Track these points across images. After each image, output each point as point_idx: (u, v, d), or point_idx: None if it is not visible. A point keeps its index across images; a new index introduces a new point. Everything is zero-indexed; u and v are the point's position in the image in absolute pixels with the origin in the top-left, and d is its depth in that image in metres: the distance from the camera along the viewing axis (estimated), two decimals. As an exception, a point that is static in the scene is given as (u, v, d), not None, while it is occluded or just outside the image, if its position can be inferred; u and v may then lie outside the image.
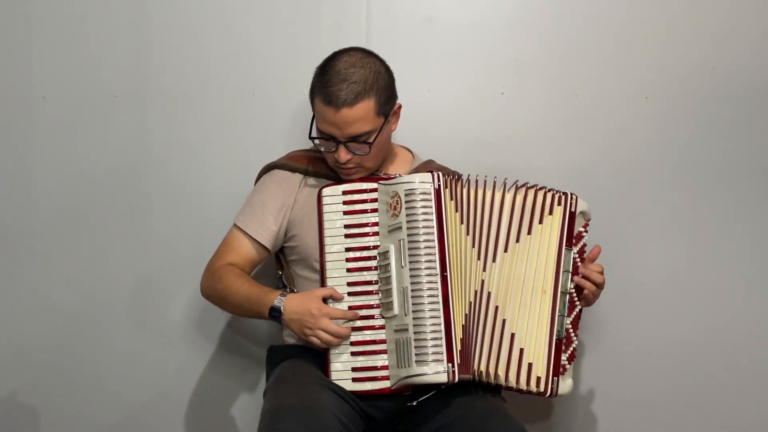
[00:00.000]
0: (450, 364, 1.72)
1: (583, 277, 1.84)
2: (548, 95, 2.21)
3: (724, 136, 2.20)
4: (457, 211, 1.81)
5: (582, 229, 1.87)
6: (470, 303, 1.79)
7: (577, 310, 1.85)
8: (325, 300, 1.81)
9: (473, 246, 1.81)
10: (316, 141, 1.86)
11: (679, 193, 2.21)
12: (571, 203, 1.83)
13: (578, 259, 1.85)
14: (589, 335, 2.24)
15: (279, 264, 2.01)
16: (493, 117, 2.21)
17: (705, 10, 2.18)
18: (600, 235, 2.20)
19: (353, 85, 1.78)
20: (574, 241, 1.84)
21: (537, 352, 1.79)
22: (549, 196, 1.84)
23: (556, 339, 1.79)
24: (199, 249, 2.19)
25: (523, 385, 1.79)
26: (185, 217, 2.23)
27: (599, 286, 1.87)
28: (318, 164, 1.95)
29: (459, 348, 1.75)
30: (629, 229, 2.22)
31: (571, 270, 1.82)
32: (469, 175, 1.86)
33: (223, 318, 2.25)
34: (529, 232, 1.83)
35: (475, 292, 1.80)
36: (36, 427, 2.28)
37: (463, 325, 1.77)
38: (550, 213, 1.83)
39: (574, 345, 1.84)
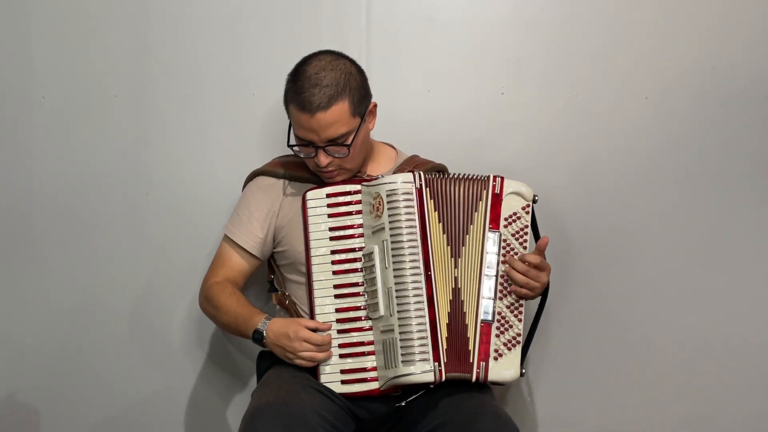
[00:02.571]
0: (437, 363, 1.73)
1: (507, 272, 1.81)
2: (548, 95, 2.21)
3: (724, 136, 2.20)
4: (435, 209, 1.82)
5: (520, 210, 1.84)
6: (450, 301, 1.80)
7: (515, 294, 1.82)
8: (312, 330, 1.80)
9: (448, 244, 1.82)
10: (295, 148, 1.86)
11: (678, 192, 2.21)
12: (494, 185, 1.83)
13: (514, 242, 1.82)
14: (588, 333, 2.24)
15: (270, 269, 2.01)
16: (493, 117, 2.21)
17: (705, 10, 2.18)
18: (599, 235, 2.21)
19: (325, 88, 1.78)
20: (504, 223, 1.82)
21: (472, 338, 1.78)
22: (477, 183, 1.84)
23: (482, 322, 1.78)
24: (199, 249, 2.20)
25: (462, 373, 1.77)
26: (185, 217, 2.23)
27: (537, 280, 1.81)
28: (299, 169, 1.95)
29: (445, 347, 1.75)
30: (629, 229, 2.22)
31: (498, 252, 1.81)
32: (452, 173, 1.86)
33: (223, 318, 2.25)
34: (471, 222, 1.83)
35: (452, 290, 1.80)
36: (36, 428, 2.28)
37: (447, 324, 1.78)
38: (480, 199, 1.83)
39: (515, 330, 1.81)
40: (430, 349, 1.73)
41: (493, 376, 1.77)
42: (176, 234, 2.24)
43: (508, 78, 2.20)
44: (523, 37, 2.20)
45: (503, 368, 1.78)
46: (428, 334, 1.74)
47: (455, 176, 1.85)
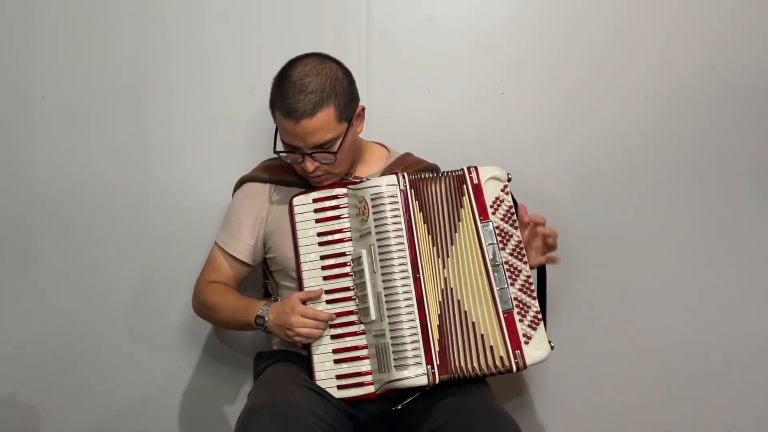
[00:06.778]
0: (429, 366, 1.72)
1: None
2: (548, 95, 2.21)
3: (724, 136, 2.20)
4: (421, 210, 1.80)
5: (500, 194, 1.83)
6: (440, 302, 1.78)
7: (523, 275, 1.81)
8: (304, 303, 1.80)
9: (434, 245, 1.80)
10: (282, 154, 1.85)
11: (678, 192, 2.21)
12: (471, 177, 1.81)
13: (506, 226, 1.82)
14: (586, 333, 2.24)
15: (265, 275, 2.01)
16: (493, 117, 2.21)
17: (705, 10, 2.18)
18: (600, 235, 2.21)
19: (310, 95, 1.75)
20: (491, 211, 1.81)
21: (493, 333, 1.77)
22: (454, 178, 1.82)
23: (504, 312, 1.77)
24: (199, 249, 2.20)
25: (492, 369, 1.76)
26: (185, 217, 2.23)
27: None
28: (285, 173, 1.94)
29: (437, 349, 1.74)
30: (629, 228, 2.22)
31: (496, 241, 1.79)
32: (435, 172, 1.85)
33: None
34: (459, 219, 1.81)
35: (442, 290, 1.79)
36: (36, 428, 2.28)
37: (438, 326, 1.76)
38: (463, 194, 1.82)
39: (533, 310, 1.79)
40: (422, 352, 1.72)
41: (530, 360, 1.76)
42: (176, 234, 2.24)
43: (508, 78, 2.20)
44: (524, 38, 2.20)
45: (534, 350, 1.77)
46: (420, 337, 1.73)
47: (433, 175, 1.83)
